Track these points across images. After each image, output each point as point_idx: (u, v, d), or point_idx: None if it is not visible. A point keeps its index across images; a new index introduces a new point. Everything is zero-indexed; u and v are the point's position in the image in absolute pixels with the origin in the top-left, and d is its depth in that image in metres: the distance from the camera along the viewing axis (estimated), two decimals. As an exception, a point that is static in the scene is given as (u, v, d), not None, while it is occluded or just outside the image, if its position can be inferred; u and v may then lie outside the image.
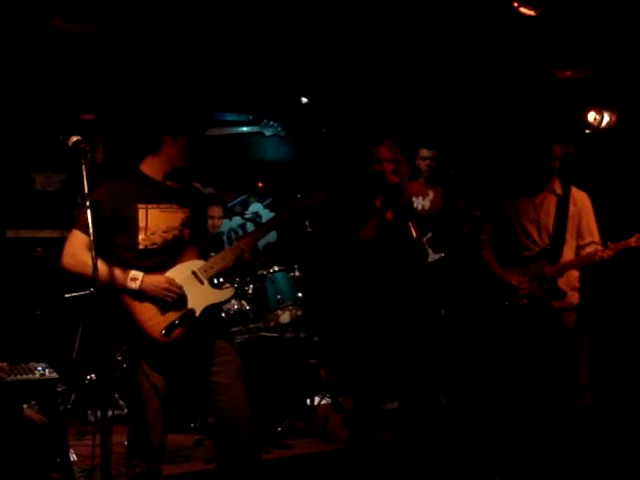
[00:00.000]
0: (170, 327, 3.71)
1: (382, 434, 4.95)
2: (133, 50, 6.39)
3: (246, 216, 7.78)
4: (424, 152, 6.50)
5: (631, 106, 6.51)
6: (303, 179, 7.70)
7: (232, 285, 4.06)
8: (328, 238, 5.79)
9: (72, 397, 6.07)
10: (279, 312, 6.03)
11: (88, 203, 3.44)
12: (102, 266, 3.58)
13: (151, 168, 3.90)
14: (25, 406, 4.24)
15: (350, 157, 5.93)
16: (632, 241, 4.78)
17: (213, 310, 3.88)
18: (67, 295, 5.95)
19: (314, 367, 6.31)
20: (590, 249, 5.05)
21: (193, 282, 3.82)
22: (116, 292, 3.70)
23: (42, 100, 6.83)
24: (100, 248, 3.48)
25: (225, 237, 7.77)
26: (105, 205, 3.71)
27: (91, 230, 3.41)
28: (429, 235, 6.20)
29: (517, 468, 4.75)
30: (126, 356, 4.69)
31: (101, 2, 5.58)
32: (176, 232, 3.86)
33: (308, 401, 6.09)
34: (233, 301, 5.90)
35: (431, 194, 6.55)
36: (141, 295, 3.70)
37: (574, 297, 5.12)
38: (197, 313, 3.78)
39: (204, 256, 3.94)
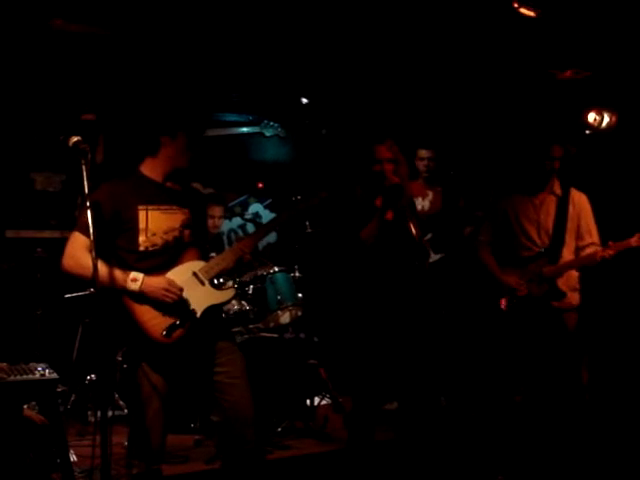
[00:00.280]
0: (171, 328, 3.71)
1: (382, 435, 4.95)
2: (133, 50, 6.39)
3: (246, 217, 7.78)
4: (422, 152, 6.51)
5: (631, 107, 6.51)
6: (303, 180, 7.71)
7: (233, 286, 4.06)
8: (329, 239, 5.79)
9: (72, 397, 6.06)
10: (279, 313, 6.03)
11: (88, 204, 3.44)
12: (102, 267, 3.58)
13: (151, 169, 3.90)
14: (25, 406, 4.24)
15: (350, 157, 5.94)
16: (633, 241, 4.78)
17: (214, 311, 3.88)
18: (67, 295, 5.95)
19: (314, 367, 6.31)
20: (590, 250, 5.05)
21: (194, 283, 3.82)
22: (117, 293, 3.69)
23: (42, 100, 6.83)
24: (100, 249, 3.48)
25: (225, 237, 7.77)
26: (105, 206, 3.71)
27: (91, 230, 3.40)
28: (429, 236, 6.20)
29: (518, 468, 4.75)
30: (126, 357, 4.69)
31: (101, 3, 5.58)
32: (176, 233, 3.86)
33: (308, 401, 6.10)
34: (233, 301, 5.89)
35: (430, 195, 6.56)
36: (142, 296, 3.69)
37: (574, 298, 5.12)
38: (198, 314, 3.78)
39: (205, 257, 3.94)
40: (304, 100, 7.91)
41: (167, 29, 6.05)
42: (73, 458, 4.72)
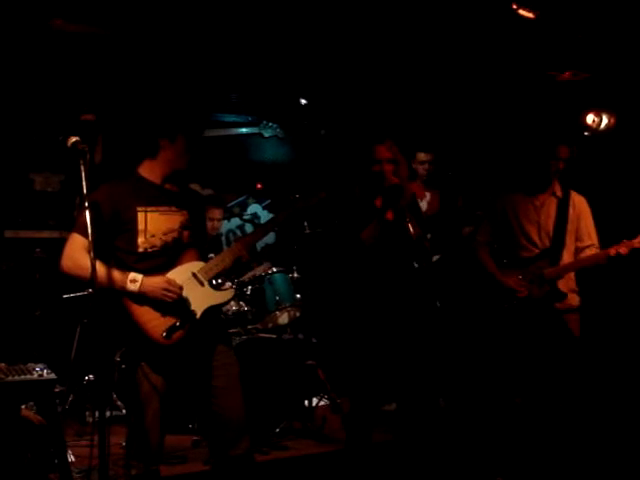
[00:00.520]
0: (171, 329, 3.70)
1: (380, 436, 4.95)
2: (133, 51, 6.39)
3: (245, 217, 7.79)
4: (422, 156, 6.53)
5: (630, 108, 6.52)
6: (302, 180, 7.71)
7: (232, 286, 4.06)
8: (328, 240, 5.79)
9: (70, 398, 6.06)
10: (277, 313, 6.03)
11: (87, 204, 3.44)
12: (101, 268, 3.58)
13: (149, 171, 3.89)
14: (23, 407, 4.24)
15: (349, 158, 5.94)
16: (636, 242, 4.78)
17: (213, 312, 3.88)
18: (66, 296, 5.95)
19: (312, 368, 6.32)
20: (590, 252, 5.05)
21: (193, 284, 3.81)
22: (116, 294, 3.69)
23: (41, 101, 6.84)
24: (99, 250, 3.47)
25: (224, 238, 7.78)
26: (104, 207, 3.71)
27: (90, 230, 3.40)
28: (428, 236, 6.20)
29: (517, 470, 4.75)
30: (124, 357, 4.68)
31: (101, 3, 5.59)
32: (175, 234, 3.85)
33: (306, 402, 6.10)
34: (232, 302, 5.89)
35: (428, 196, 6.58)
36: (141, 297, 3.69)
37: (573, 299, 5.11)
38: (198, 315, 3.78)
39: (204, 258, 3.94)
40: (303, 101, 7.92)
41: (166, 30, 6.05)
42: (71, 458, 4.72)
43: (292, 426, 5.84)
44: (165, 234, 3.82)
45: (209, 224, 6.04)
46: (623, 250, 4.77)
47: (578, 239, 5.13)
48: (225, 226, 7.77)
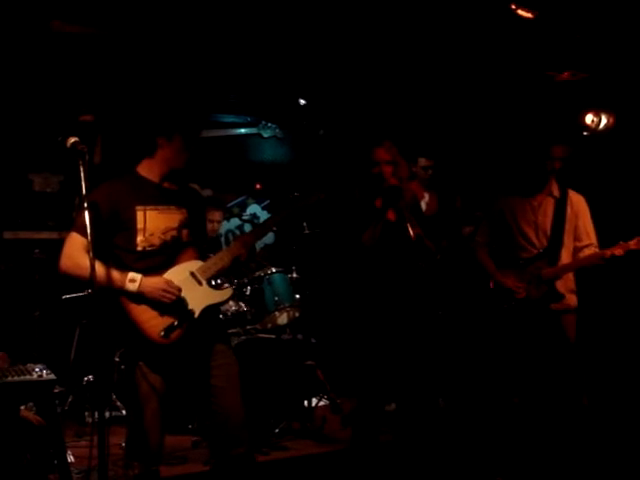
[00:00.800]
0: (169, 329, 3.71)
1: (381, 436, 4.95)
2: (131, 51, 6.39)
3: (244, 217, 7.79)
4: (423, 162, 6.55)
5: (629, 108, 6.52)
6: (301, 181, 7.71)
7: (230, 286, 4.07)
8: (329, 241, 5.80)
9: (70, 398, 6.06)
10: (277, 314, 6.03)
11: (86, 204, 3.44)
12: (100, 268, 3.58)
13: (148, 170, 3.90)
14: (22, 407, 4.24)
15: (348, 159, 5.94)
16: (632, 244, 4.79)
17: (211, 311, 3.88)
18: (65, 296, 5.95)
19: (311, 369, 6.31)
20: (589, 251, 5.05)
21: (192, 283, 3.81)
22: (114, 294, 3.69)
23: (40, 101, 6.83)
24: (98, 250, 3.47)
25: (223, 239, 7.77)
26: (103, 206, 3.71)
27: (89, 231, 3.40)
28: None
29: (516, 469, 4.75)
30: (124, 357, 4.69)
31: (99, 4, 5.59)
32: (174, 233, 3.86)
33: (306, 402, 6.09)
34: (231, 302, 5.90)
35: (427, 197, 6.58)
36: (140, 297, 3.69)
37: (572, 299, 5.11)
38: (196, 314, 3.78)
39: (202, 257, 3.94)
40: (302, 101, 7.92)
41: (165, 31, 6.06)
42: (70, 459, 4.71)
43: (291, 426, 5.84)
44: (164, 233, 3.82)
45: (209, 226, 6.04)
46: (618, 252, 4.78)
47: (577, 238, 5.13)
48: (224, 226, 7.78)
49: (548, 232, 5.10)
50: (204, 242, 4.13)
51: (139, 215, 3.78)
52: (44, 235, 6.94)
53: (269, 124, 8.03)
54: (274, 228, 6.73)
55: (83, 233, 3.54)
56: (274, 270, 6.10)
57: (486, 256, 5.26)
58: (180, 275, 3.80)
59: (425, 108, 7.50)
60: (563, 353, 4.99)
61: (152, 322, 3.70)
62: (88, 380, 6.08)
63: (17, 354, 4.57)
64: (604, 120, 6.63)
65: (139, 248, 3.77)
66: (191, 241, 3.92)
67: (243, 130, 8.07)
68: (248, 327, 6.02)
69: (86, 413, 6.03)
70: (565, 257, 5.08)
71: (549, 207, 5.13)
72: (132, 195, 3.80)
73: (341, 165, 7.28)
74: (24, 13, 5.58)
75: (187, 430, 5.65)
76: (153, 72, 6.82)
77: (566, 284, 5.09)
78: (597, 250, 5.00)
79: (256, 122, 8.05)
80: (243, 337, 5.89)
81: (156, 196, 3.85)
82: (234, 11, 5.75)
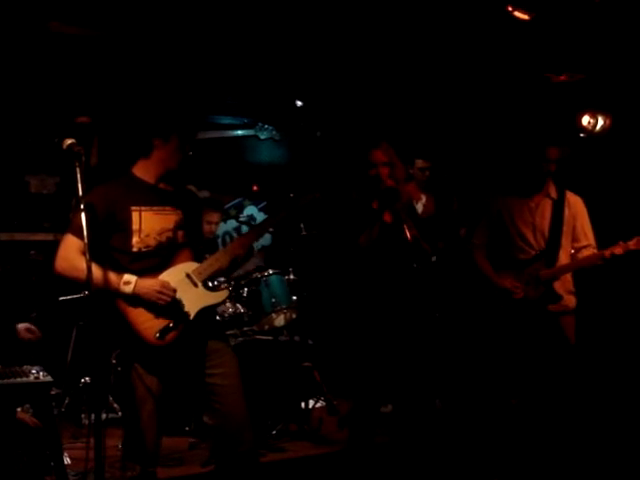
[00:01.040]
0: (164, 330, 3.70)
1: (377, 438, 4.95)
2: (128, 53, 6.39)
3: (241, 219, 7.78)
4: (420, 163, 6.55)
5: (625, 110, 6.53)
6: (298, 182, 7.71)
7: (227, 287, 4.06)
8: (326, 243, 5.79)
9: (66, 400, 6.06)
10: (274, 315, 6.02)
11: (82, 206, 3.44)
12: (96, 270, 3.57)
13: (143, 171, 3.90)
14: (19, 409, 4.23)
15: (345, 161, 5.93)
16: (632, 244, 4.79)
17: (207, 312, 3.88)
18: (61, 298, 5.94)
19: (308, 370, 6.31)
20: (587, 252, 5.05)
21: (187, 285, 3.81)
22: (110, 296, 3.69)
23: (37, 103, 6.83)
24: (94, 251, 3.47)
25: (220, 240, 7.78)
26: (99, 208, 3.71)
27: (85, 233, 3.40)
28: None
29: (514, 471, 4.75)
30: (120, 359, 4.68)
31: (97, 5, 5.58)
32: (170, 234, 3.85)
33: (303, 404, 6.09)
34: (228, 304, 5.90)
35: (424, 198, 6.59)
36: (135, 299, 3.69)
37: (570, 300, 5.11)
38: (191, 316, 3.78)
39: (198, 258, 3.94)
40: (299, 103, 7.92)
41: (162, 32, 6.05)
42: (67, 461, 4.71)
43: (288, 428, 5.84)
44: (159, 234, 3.82)
45: (206, 227, 6.04)
46: (618, 251, 4.79)
47: (575, 239, 5.13)
48: (221, 228, 7.77)
49: (546, 233, 5.10)
50: (200, 243, 4.13)
51: (134, 216, 3.77)
52: (40, 237, 6.92)
53: (266, 126, 8.02)
54: (271, 229, 6.73)
55: (79, 235, 3.54)
56: (271, 272, 6.10)
57: (483, 258, 5.26)
58: (176, 276, 3.80)
59: (422, 110, 7.51)
60: (561, 354, 4.99)
61: (148, 324, 3.69)
62: (85, 382, 6.07)
63: (13, 355, 4.55)
64: (601, 122, 6.63)
65: (134, 249, 3.77)
66: (187, 242, 3.91)
67: (240, 132, 8.06)
68: (245, 329, 6.02)
69: (83, 415, 6.03)
70: (563, 258, 5.08)
71: (547, 208, 5.14)
72: (127, 196, 3.80)
73: (338, 167, 7.28)
74: (22, 14, 5.58)
75: (184, 432, 5.65)
76: (150, 74, 6.82)
77: (564, 285, 5.09)
78: (595, 251, 5.00)
79: (253, 124, 8.04)
80: (240, 339, 5.88)
81: (151, 197, 3.85)
82: (231, 13, 5.75)
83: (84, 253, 3.43)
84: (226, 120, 8.06)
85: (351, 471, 4.69)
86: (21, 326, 4.58)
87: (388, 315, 4.60)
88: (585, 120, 6.67)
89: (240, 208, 8.24)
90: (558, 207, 5.12)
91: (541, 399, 5.03)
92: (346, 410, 5.92)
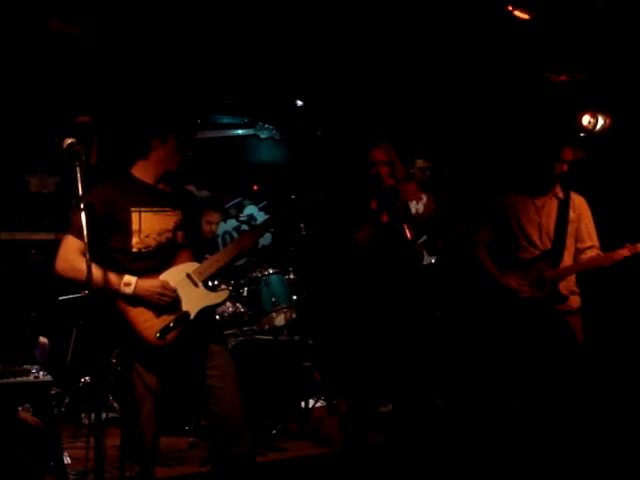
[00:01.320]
0: (165, 330, 3.71)
1: (376, 437, 4.95)
2: (129, 52, 6.39)
3: (241, 219, 7.78)
4: (421, 163, 6.56)
5: (625, 109, 6.52)
6: (298, 182, 7.71)
7: (227, 287, 4.07)
8: (324, 241, 5.79)
9: (66, 400, 6.06)
10: (274, 315, 6.02)
11: (82, 206, 3.44)
12: (96, 271, 3.56)
13: (142, 172, 3.90)
14: (20, 408, 4.23)
15: (345, 160, 5.93)
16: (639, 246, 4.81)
17: (207, 312, 3.88)
18: (61, 298, 5.94)
19: (309, 370, 6.31)
20: (591, 252, 5.05)
21: (187, 285, 3.81)
22: (110, 295, 3.69)
23: (37, 102, 6.83)
24: (94, 251, 3.47)
25: (220, 240, 7.78)
26: (98, 208, 3.71)
27: (85, 232, 3.40)
28: (424, 238, 6.20)
29: (514, 471, 4.75)
30: (120, 358, 4.68)
31: (97, 4, 5.58)
32: (170, 235, 3.85)
33: (303, 404, 6.10)
34: (228, 303, 5.90)
35: (424, 198, 6.58)
36: (135, 299, 3.69)
37: (574, 301, 5.10)
38: (192, 316, 3.78)
39: (199, 258, 3.94)
40: (299, 102, 7.92)
41: (162, 32, 6.05)
42: (67, 460, 4.71)
43: (289, 428, 5.83)
44: (159, 234, 3.82)
45: (207, 227, 6.04)
46: (625, 253, 4.81)
47: (579, 240, 5.12)
48: (221, 228, 7.77)
49: (551, 233, 5.07)
50: (200, 244, 4.13)
51: (134, 217, 3.78)
52: (41, 236, 6.93)
53: (266, 125, 8.02)
54: (272, 229, 6.73)
55: (79, 235, 3.54)
56: (271, 271, 6.10)
57: (486, 256, 5.22)
58: (176, 277, 3.80)
59: (424, 109, 7.50)
60: (569, 354, 4.97)
61: (148, 323, 3.70)
62: (85, 381, 6.08)
63: (14, 355, 4.56)
64: (601, 121, 6.63)
65: (134, 250, 3.77)
66: (187, 243, 3.92)
67: (240, 131, 8.06)
68: (245, 328, 6.03)
69: (83, 414, 6.04)
70: (567, 259, 5.06)
71: (553, 208, 5.11)
72: (127, 197, 3.80)
73: (338, 166, 7.28)
74: (22, 13, 5.57)
75: (183, 431, 5.65)
76: (150, 73, 6.82)
77: (567, 285, 5.07)
78: (599, 252, 5.00)
79: (253, 123, 8.04)
80: (240, 338, 5.89)
81: (151, 198, 3.85)
82: (231, 13, 5.74)
83: (84, 253, 3.43)
84: (226, 119, 8.06)
85: (347, 471, 4.69)
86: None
87: (387, 315, 4.60)
88: (585, 120, 6.67)
89: (240, 207, 8.24)
90: (564, 207, 5.10)
91: (546, 399, 5.02)
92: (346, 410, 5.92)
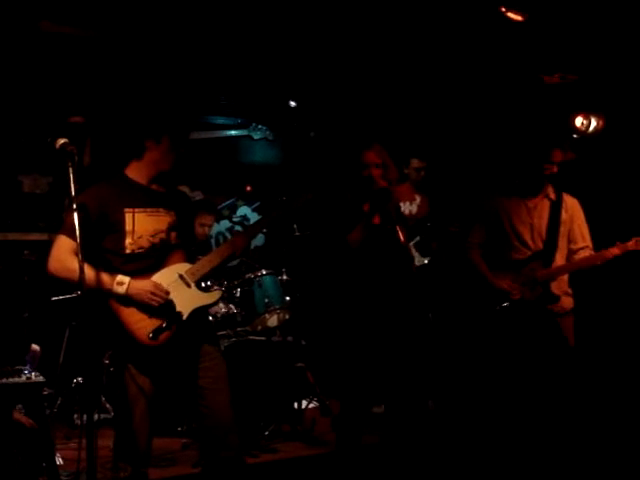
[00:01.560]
0: (157, 331, 3.70)
1: (369, 438, 4.95)
2: (122, 53, 6.38)
3: (234, 219, 7.78)
4: (416, 163, 6.57)
5: (618, 111, 6.54)
6: (291, 183, 7.71)
7: (219, 288, 4.06)
8: (317, 242, 5.79)
9: (59, 401, 6.04)
10: (267, 316, 6.02)
11: (75, 206, 3.43)
12: (89, 271, 3.57)
13: (136, 172, 3.90)
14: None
15: (338, 161, 5.93)
16: (630, 245, 4.82)
17: (200, 313, 3.88)
18: (54, 298, 5.93)
19: (301, 371, 6.31)
20: (584, 253, 5.06)
21: (180, 285, 3.81)
22: (103, 296, 3.69)
23: (30, 102, 6.81)
24: (87, 252, 3.46)
25: (213, 241, 7.77)
26: (91, 209, 3.71)
27: (78, 233, 3.39)
28: (417, 239, 6.21)
29: (508, 471, 4.76)
30: (113, 359, 4.67)
31: (89, 5, 5.58)
32: (163, 235, 3.85)
33: (295, 405, 6.09)
34: (221, 304, 5.89)
35: (418, 199, 6.59)
36: (128, 299, 3.69)
37: (567, 301, 5.11)
38: (184, 316, 3.78)
39: (191, 259, 3.94)
40: (292, 103, 7.92)
41: (156, 32, 6.05)
42: (59, 461, 4.70)
43: (281, 429, 5.83)
44: (152, 235, 3.82)
45: (200, 230, 6.03)
46: (616, 252, 4.82)
47: (572, 241, 5.13)
48: (214, 228, 7.76)
49: (544, 234, 5.09)
50: (192, 244, 4.13)
51: (127, 217, 3.77)
52: (34, 236, 6.91)
53: (260, 126, 8.02)
54: (264, 230, 6.72)
55: (72, 235, 3.54)
56: (264, 272, 6.09)
57: (479, 257, 5.24)
58: (169, 278, 3.80)
59: (417, 110, 7.51)
60: (560, 355, 4.98)
61: (141, 324, 3.69)
62: (77, 382, 6.07)
63: (5, 356, 4.55)
64: (594, 123, 6.64)
65: (127, 251, 3.77)
66: (179, 243, 3.92)
67: (233, 132, 8.06)
68: (238, 329, 6.02)
69: (75, 415, 6.02)
70: (559, 259, 5.08)
71: (545, 209, 5.13)
72: (120, 198, 3.80)
73: (331, 167, 7.28)
74: (13, 13, 5.56)
75: (176, 432, 5.64)
76: (144, 74, 6.81)
77: (560, 286, 5.09)
78: (592, 252, 5.02)
79: (247, 124, 8.04)
80: (233, 339, 5.88)
81: (144, 199, 3.85)
82: (225, 13, 5.74)
83: (77, 254, 3.43)
84: (220, 120, 8.06)
85: (340, 472, 4.69)
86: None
87: (380, 316, 4.60)
88: (578, 121, 6.68)
89: (233, 208, 8.24)
90: (556, 208, 5.12)
91: (537, 400, 5.03)
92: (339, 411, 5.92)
